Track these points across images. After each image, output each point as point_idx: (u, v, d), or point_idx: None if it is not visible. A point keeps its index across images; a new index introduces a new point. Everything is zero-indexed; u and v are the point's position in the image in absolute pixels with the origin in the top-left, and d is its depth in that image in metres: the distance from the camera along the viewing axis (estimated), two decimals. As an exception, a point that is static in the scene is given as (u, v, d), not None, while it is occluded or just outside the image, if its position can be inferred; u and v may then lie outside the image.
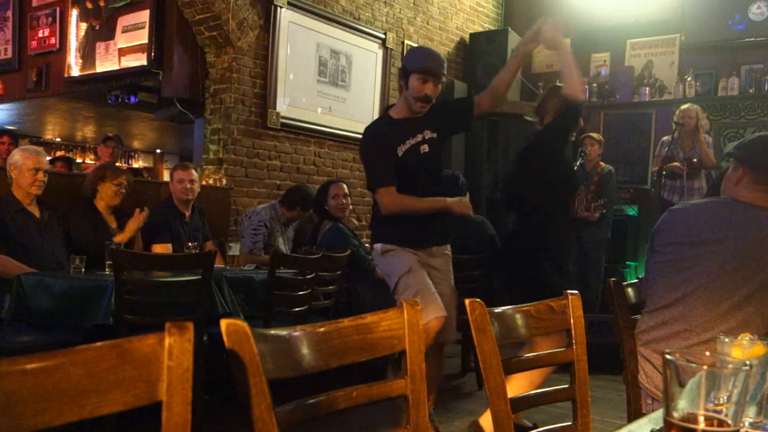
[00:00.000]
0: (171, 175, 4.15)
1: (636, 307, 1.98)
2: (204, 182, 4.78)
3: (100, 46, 5.49)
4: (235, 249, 3.78)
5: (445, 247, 2.93)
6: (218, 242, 4.32)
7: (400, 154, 2.73)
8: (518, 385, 2.39)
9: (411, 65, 2.74)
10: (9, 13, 6.33)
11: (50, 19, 5.94)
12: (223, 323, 0.89)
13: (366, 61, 5.86)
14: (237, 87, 4.87)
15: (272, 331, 0.98)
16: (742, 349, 1.03)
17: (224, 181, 4.88)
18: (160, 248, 3.81)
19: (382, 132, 2.78)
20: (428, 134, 2.79)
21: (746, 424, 0.93)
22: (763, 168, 1.83)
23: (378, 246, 2.83)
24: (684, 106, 5.35)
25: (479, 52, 6.77)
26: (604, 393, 3.80)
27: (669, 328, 1.83)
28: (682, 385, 0.77)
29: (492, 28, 7.23)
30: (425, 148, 2.78)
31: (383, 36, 5.96)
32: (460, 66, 6.94)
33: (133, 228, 3.69)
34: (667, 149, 5.24)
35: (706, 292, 1.78)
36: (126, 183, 3.77)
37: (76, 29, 5.72)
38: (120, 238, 3.60)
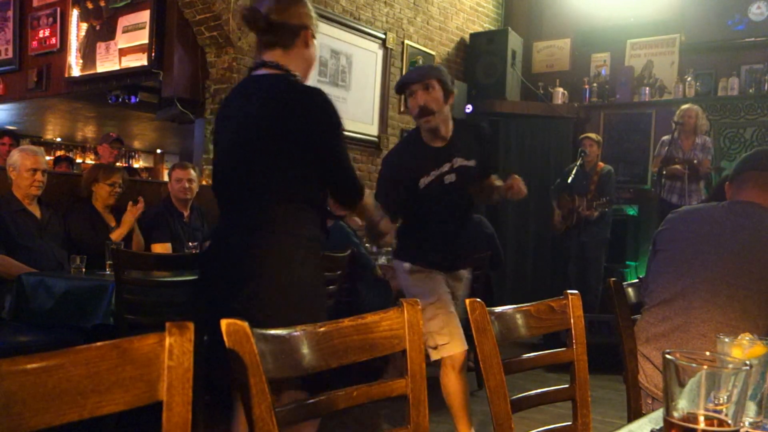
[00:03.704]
0: (169, 175, 4.15)
1: (636, 307, 2.00)
2: (204, 182, 4.78)
3: (100, 46, 5.49)
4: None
5: (467, 271, 2.83)
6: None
7: (422, 186, 2.59)
8: None
9: (397, 92, 2.70)
10: (10, 14, 6.33)
11: (51, 19, 5.94)
12: (224, 323, 0.89)
13: (366, 61, 5.86)
14: (237, 87, 4.87)
15: (272, 331, 0.98)
16: (742, 349, 1.03)
17: (224, 181, 4.87)
18: (160, 248, 3.81)
19: (401, 166, 2.65)
20: (459, 162, 2.62)
21: (746, 423, 0.94)
22: (749, 165, 1.94)
23: (405, 265, 2.70)
24: (685, 106, 5.36)
25: (479, 52, 6.77)
26: (604, 393, 3.80)
27: (669, 323, 1.85)
28: (682, 384, 0.77)
29: (492, 28, 7.23)
30: (451, 177, 2.61)
31: (383, 36, 5.96)
32: (460, 66, 6.93)
33: (129, 222, 3.68)
34: (666, 149, 5.24)
35: (705, 284, 1.82)
36: (120, 181, 3.77)
37: (77, 29, 5.72)
38: (117, 234, 3.60)
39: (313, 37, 2.00)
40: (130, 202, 3.73)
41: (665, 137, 5.38)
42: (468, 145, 2.65)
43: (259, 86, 1.94)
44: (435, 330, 2.55)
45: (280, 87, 1.92)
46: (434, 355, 2.56)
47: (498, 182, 2.70)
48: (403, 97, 2.69)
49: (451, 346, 2.56)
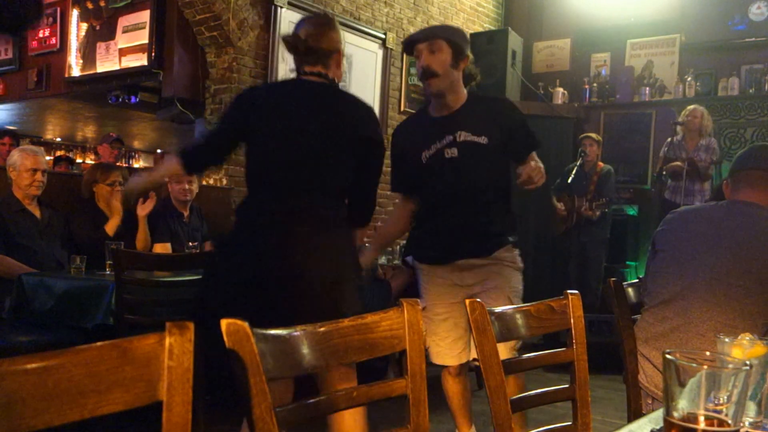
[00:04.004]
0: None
1: (636, 307, 2.00)
2: (204, 182, 4.78)
3: (100, 46, 5.49)
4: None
5: (483, 259, 2.40)
6: (218, 242, 4.32)
7: (424, 161, 2.38)
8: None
9: (404, 51, 2.62)
10: (9, 14, 6.33)
11: (51, 19, 5.95)
12: (224, 323, 0.89)
13: (366, 61, 5.86)
14: (237, 87, 4.86)
15: (272, 331, 0.98)
16: (742, 349, 1.03)
17: (224, 181, 4.88)
18: (160, 248, 3.81)
19: (403, 135, 2.54)
20: (463, 136, 2.34)
21: (746, 423, 0.94)
22: (745, 164, 1.95)
23: (408, 259, 2.66)
24: (690, 106, 5.35)
25: (479, 52, 6.74)
26: (604, 393, 3.80)
27: (669, 323, 1.86)
28: (682, 384, 0.77)
29: (492, 28, 7.23)
30: (452, 152, 2.35)
31: (383, 36, 5.96)
32: (461, 66, 6.92)
33: (118, 209, 3.66)
34: (668, 149, 5.24)
35: (704, 284, 1.82)
36: (120, 179, 3.76)
37: (77, 29, 5.72)
38: (110, 226, 3.60)
39: (343, 56, 2.28)
40: (141, 199, 3.75)
41: (670, 138, 5.37)
42: (480, 119, 2.36)
43: (324, 93, 2.20)
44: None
45: (350, 98, 2.28)
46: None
47: (540, 164, 2.38)
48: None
49: (431, 356, 2.46)
